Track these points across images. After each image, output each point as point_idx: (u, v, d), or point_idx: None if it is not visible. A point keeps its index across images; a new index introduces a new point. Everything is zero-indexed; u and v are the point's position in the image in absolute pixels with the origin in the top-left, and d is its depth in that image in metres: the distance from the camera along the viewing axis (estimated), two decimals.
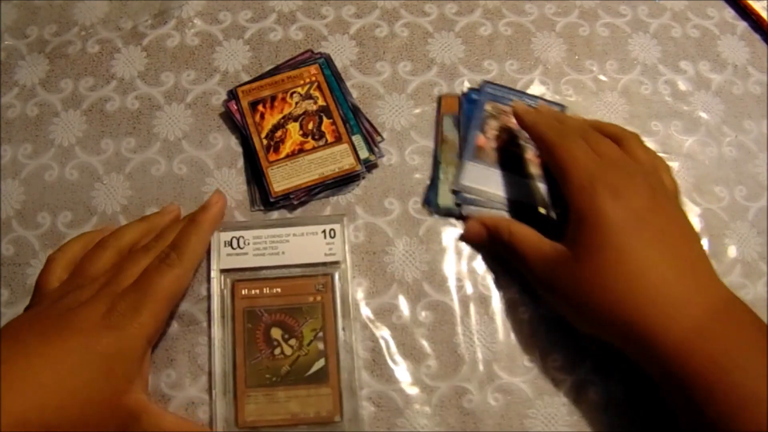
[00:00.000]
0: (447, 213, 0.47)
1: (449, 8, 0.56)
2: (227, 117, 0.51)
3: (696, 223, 0.48)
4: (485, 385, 0.43)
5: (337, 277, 0.44)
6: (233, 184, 0.49)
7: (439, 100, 0.52)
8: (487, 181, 0.48)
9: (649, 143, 0.51)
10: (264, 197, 0.48)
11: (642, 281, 0.36)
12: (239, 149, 0.50)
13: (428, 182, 0.49)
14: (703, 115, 0.52)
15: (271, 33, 0.55)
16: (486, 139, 0.49)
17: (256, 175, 0.48)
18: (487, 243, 0.45)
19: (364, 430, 0.41)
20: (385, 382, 0.43)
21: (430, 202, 0.48)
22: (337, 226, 0.45)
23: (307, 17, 0.55)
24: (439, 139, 0.50)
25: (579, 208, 0.39)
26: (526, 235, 0.42)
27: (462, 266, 0.46)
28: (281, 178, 0.47)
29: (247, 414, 0.41)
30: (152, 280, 0.38)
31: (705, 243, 0.47)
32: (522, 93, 0.52)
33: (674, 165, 0.50)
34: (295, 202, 0.47)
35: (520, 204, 0.47)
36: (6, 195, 0.48)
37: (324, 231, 0.45)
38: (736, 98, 0.53)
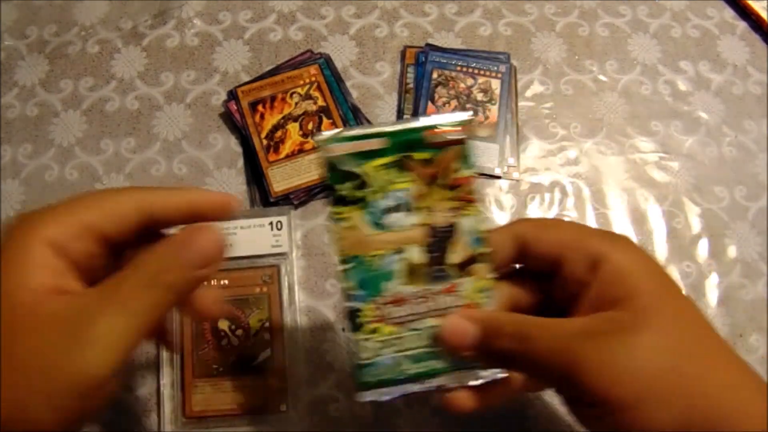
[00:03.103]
0: None
1: (449, 8, 0.56)
2: (227, 117, 0.51)
3: (696, 223, 0.48)
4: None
5: (283, 268, 0.44)
6: (233, 184, 0.49)
7: (403, 51, 0.53)
8: None
9: (649, 143, 0.51)
10: (264, 197, 0.48)
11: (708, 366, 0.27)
12: (239, 149, 0.50)
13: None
14: (703, 115, 0.52)
15: (271, 33, 0.55)
16: (436, 107, 0.50)
17: (255, 176, 0.48)
18: (478, 348, 0.29)
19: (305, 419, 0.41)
20: None
21: None
22: (284, 219, 0.46)
23: (307, 17, 0.55)
24: (403, 90, 0.51)
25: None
26: (543, 321, 0.28)
27: None
28: (281, 178, 0.47)
29: (195, 404, 0.41)
30: None
31: (705, 243, 0.47)
32: (464, 55, 0.52)
33: (674, 165, 0.50)
34: (295, 202, 0.47)
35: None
36: (6, 195, 0.48)
37: (271, 223, 0.45)
38: (736, 98, 0.53)
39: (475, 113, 0.51)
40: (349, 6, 0.56)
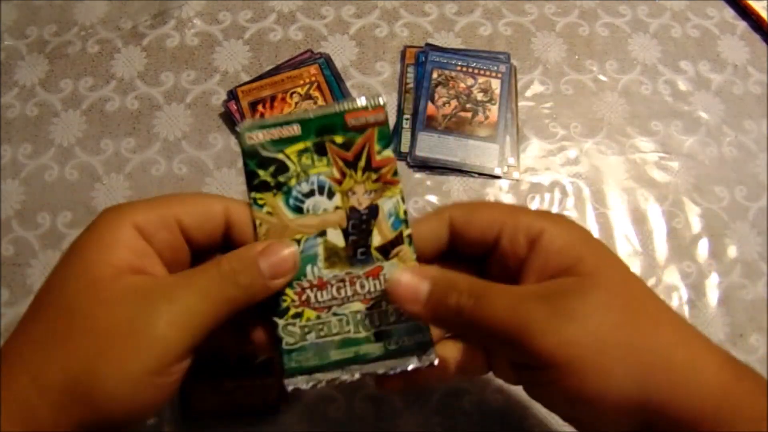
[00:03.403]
0: (406, 158, 0.49)
1: (449, 8, 0.56)
2: (227, 117, 0.51)
3: (696, 223, 0.48)
4: (485, 385, 0.43)
5: None
6: (233, 184, 0.49)
7: (404, 51, 0.53)
8: (440, 149, 0.49)
9: (650, 143, 0.51)
10: None
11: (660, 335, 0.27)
12: (239, 149, 0.50)
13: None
14: (703, 115, 0.52)
15: (271, 33, 0.55)
16: (436, 107, 0.50)
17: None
18: (428, 307, 0.28)
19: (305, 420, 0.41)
20: None
21: (393, 148, 0.49)
22: None
23: (307, 17, 0.55)
24: (403, 90, 0.51)
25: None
26: (494, 284, 0.28)
27: None
28: None
29: (194, 404, 0.41)
30: None
31: (705, 243, 0.47)
32: (464, 55, 0.52)
33: (674, 165, 0.50)
34: None
35: (473, 165, 0.49)
36: (6, 195, 0.48)
37: None
38: (736, 98, 0.53)
39: (475, 113, 0.51)
40: (349, 6, 0.56)
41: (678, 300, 0.46)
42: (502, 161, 0.49)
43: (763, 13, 0.55)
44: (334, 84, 0.51)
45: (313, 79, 0.51)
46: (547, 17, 0.56)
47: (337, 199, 0.30)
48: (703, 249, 0.47)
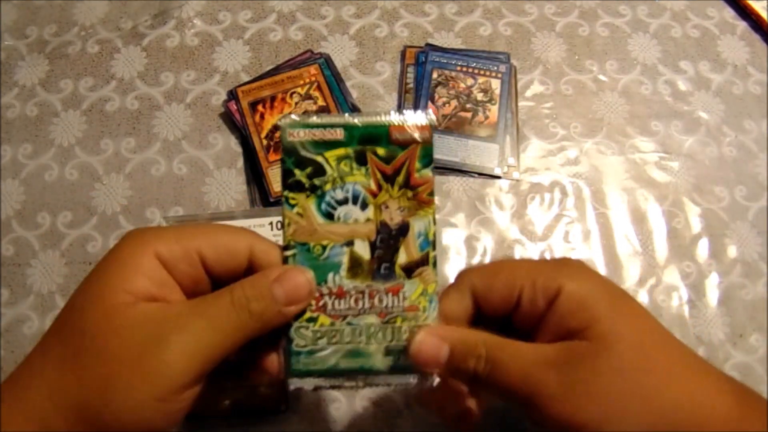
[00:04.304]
0: None
1: (449, 8, 0.56)
2: (227, 117, 0.51)
3: (696, 223, 0.48)
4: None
5: None
6: (233, 184, 0.49)
7: (404, 51, 0.53)
8: (440, 149, 0.49)
9: (649, 143, 0.51)
10: (264, 197, 0.48)
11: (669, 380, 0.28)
12: (239, 149, 0.50)
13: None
14: (703, 115, 0.52)
15: (271, 33, 0.55)
16: (436, 107, 0.50)
17: (255, 175, 0.48)
18: (448, 368, 0.29)
19: (306, 420, 0.41)
20: None
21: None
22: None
23: (307, 17, 0.55)
24: (403, 90, 0.51)
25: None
26: (511, 346, 0.29)
27: (462, 266, 0.46)
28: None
29: (194, 404, 0.41)
30: None
31: (705, 243, 0.47)
32: (464, 55, 0.53)
33: (674, 165, 0.50)
34: None
35: (473, 165, 0.49)
36: (6, 195, 0.48)
37: (271, 223, 0.45)
38: (736, 98, 0.53)
39: (475, 113, 0.51)
40: (349, 6, 0.56)
41: (678, 300, 0.46)
42: (502, 161, 0.49)
43: (763, 13, 0.55)
44: (334, 84, 0.51)
45: (313, 79, 0.51)
46: (547, 17, 0.56)
47: (370, 212, 0.29)
48: (703, 249, 0.47)
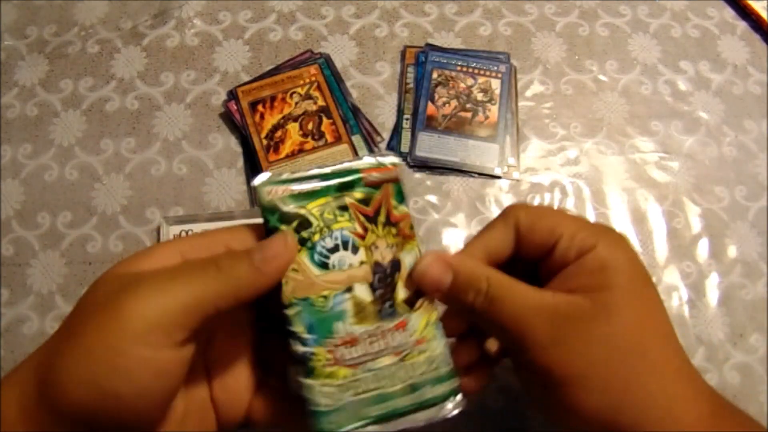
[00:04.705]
0: (406, 158, 0.49)
1: (449, 8, 0.56)
2: (227, 117, 0.51)
3: (696, 223, 0.48)
4: (485, 385, 0.43)
5: None
6: (233, 184, 0.49)
7: (403, 51, 0.53)
8: (439, 149, 0.49)
9: (649, 143, 0.51)
10: None
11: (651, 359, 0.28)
12: (239, 149, 0.50)
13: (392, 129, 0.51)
14: (703, 115, 0.52)
15: (271, 33, 0.55)
16: (436, 107, 0.50)
17: (256, 175, 0.48)
18: (447, 296, 0.31)
19: None
20: None
21: (393, 147, 0.50)
22: None
23: (307, 17, 0.55)
24: (403, 90, 0.51)
25: (606, 252, 0.30)
26: (513, 286, 0.29)
27: None
28: None
29: None
30: None
31: (705, 243, 0.47)
32: (464, 55, 0.53)
33: (674, 165, 0.50)
34: None
35: (473, 165, 0.49)
36: (6, 195, 0.48)
37: None
38: (736, 98, 0.53)
39: (475, 113, 0.51)
40: (349, 6, 0.56)
41: (678, 300, 0.46)
42: (502, 161, 0.49)
43: (763, 13, 0.55)
44: (334, 84, 0.51)
45: (313, 79, 0.51)
46: (547, 17, 0.56)
47: (362, 254, 0.30)
48: (703, 249, 0.47)
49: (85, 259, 0.46)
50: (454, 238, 0.47)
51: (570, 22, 0.55)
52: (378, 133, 0.50)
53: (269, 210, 0.29)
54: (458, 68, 0.52)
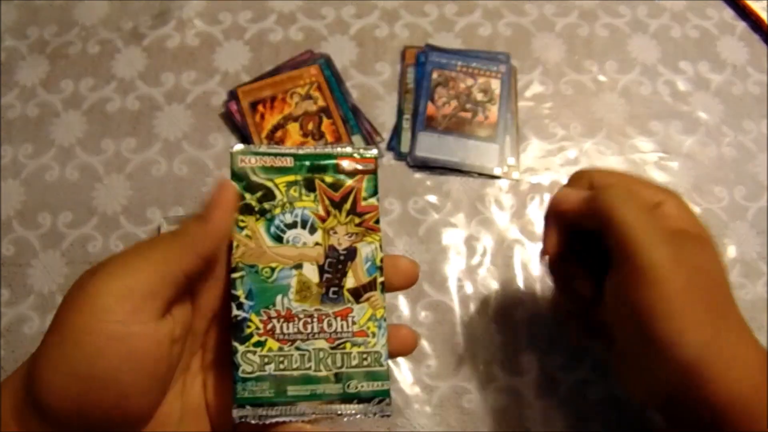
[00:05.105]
0: (406, 158, 0.50)
1: (449, 9, 0.56)
2: (227, 117, 0.51)
3: None
4: (485, 385, 0.43)
5: None
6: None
7: (403, 52, 0.53)
8: (439, 149, 0.49)
9: (649, 143, 0.51)
10: None
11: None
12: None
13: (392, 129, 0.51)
14: (703, 115, 0.52)
15: (271, 33, 0.55)
16: (436, 107, 0.50)
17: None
18: (575, 217, 0.34)
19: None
20: None
21: (393, 147, 0.50)
22: None
23: (307, 18, 0.55)
24: (403, 90, 0.51)
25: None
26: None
27: (462, 266, 0.46)
28: None
29: None
30: None
31: None
32: (464, 55, 0.53)
33: (674, 165, 0.50)
34: None
35: (473, 165, 0.49)
36: (6, 195, 0.48)
37: None
38: (735, 98, 0.53)
39: (475, 113, 0.51)
40: (349, 6, 0.56)
41: None
42: (502, 161, 0.50)
43: (762, 14, 0.55)
44: (334, 84, 0.51)
45: (314, 79, 0.51)
46: (547, 17, 0.56)
47: (318, 236, 0.30)
48: None
49: (85, 259, 0.46)
50: (454, 238, 0.47)
51: (570, 23, 0.56)
52: (378, 133, 0.50)
53: (238, 177, 0.30)
54: (458, 68, 0.52)
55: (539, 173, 0.50)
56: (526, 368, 0.43)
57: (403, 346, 0.31)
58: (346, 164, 0.31)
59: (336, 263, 0.30)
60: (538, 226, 0.48)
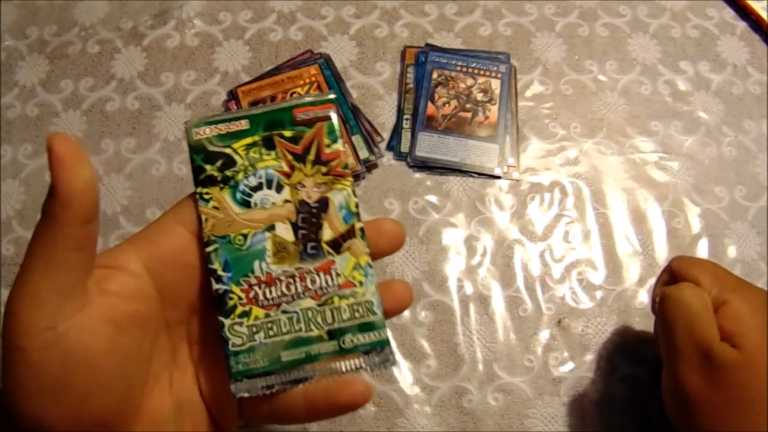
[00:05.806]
0: (406, 158, 0.50)
1: (449, 8, 0.56)
2: None
3: (696, 223, 0.48)
4: (485, 385, 0.43)
5: None
6: None
7: (403, 52, 0.53)
8: (439, 149, 0.49)
9: (649, 143, 0.51)
10: None
11: None
12: None
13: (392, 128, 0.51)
14: (703, 115, 0.52)
15: (271, 33, 0.55)
16: (436, 107, 0.50)
17: None
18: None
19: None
20: (385, 382, 0.43)
21: (393, 147, 0.50)
22: None
23: (307, 17, 0.55)
24: (403, 90, 0.51)
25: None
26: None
27: (462, 266, 0.46)
28: None
29: None
30: None
31: (705, 243, 0.47)
32: (464, 55, 0.53)
33: (674, 165, 0.50)
34: None
35: (473, 165, 0.49)
36: (6, 195, 0.48)
37: None
38: (735, 98, 0.53)
39: (475, 113, 0.51)
40: (349, 6, 0.56)
41: None
42: (502, 161, 0.50)
43: (762, 14, 0.55)
44: (334, 84, 0.51)
45: (313, 79, 0.51)
46: (547, 17, 0.56)
47: (286, 193, 0.29)
48: (703, 249, 0.47)
49: None
50: (454, 238, 0.47)
51: (570, 23, 0.56)
52: (378, 133, 0.50)
53: (195, 150, 0.29)
54: (458, 68, 0.52)
55: (539, 173, 0.50)
56: (527, 368, 0.43)
57: (398, 302, 0.30)
58: (302, 115, 0.29)
59: (309, 217, 0.29)
60: (538, 226, 0.48)
